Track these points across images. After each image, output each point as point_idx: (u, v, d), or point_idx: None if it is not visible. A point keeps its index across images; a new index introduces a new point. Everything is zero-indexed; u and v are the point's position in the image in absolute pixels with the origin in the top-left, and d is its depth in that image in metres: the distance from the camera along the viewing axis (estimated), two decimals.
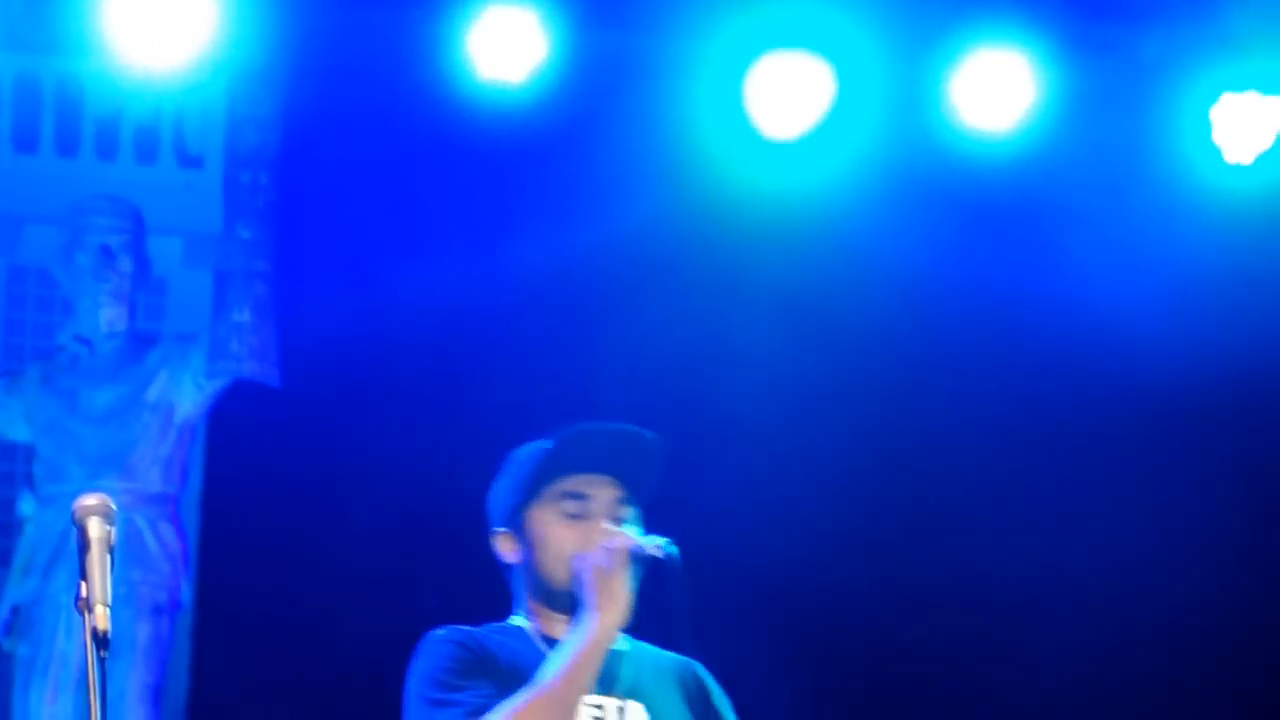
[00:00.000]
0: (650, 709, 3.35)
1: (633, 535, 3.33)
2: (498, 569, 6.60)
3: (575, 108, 6.77)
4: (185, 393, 6.74)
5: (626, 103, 6.85)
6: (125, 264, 6.86)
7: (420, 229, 6.82)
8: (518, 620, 3.45)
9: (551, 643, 3.35)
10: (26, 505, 6.92)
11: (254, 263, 6.72)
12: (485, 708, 3.22)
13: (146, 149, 7.48)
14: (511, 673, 3.30)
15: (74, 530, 3.07)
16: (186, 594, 6.65)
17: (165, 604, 6.58)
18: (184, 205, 7.33)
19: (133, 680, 6.49)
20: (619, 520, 3.37)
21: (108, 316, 6.85)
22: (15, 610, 6.72)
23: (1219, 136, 6.95)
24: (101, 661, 2.94)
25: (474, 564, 6.66)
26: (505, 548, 3.45)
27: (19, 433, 6.96)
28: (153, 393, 6.76)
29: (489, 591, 6.63)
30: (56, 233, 6.99)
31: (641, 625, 3.42)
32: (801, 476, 6.91)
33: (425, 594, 6.58)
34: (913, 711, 7.16)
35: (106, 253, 6.83)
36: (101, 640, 2.95)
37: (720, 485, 6.82)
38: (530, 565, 3.41)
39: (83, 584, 3.01)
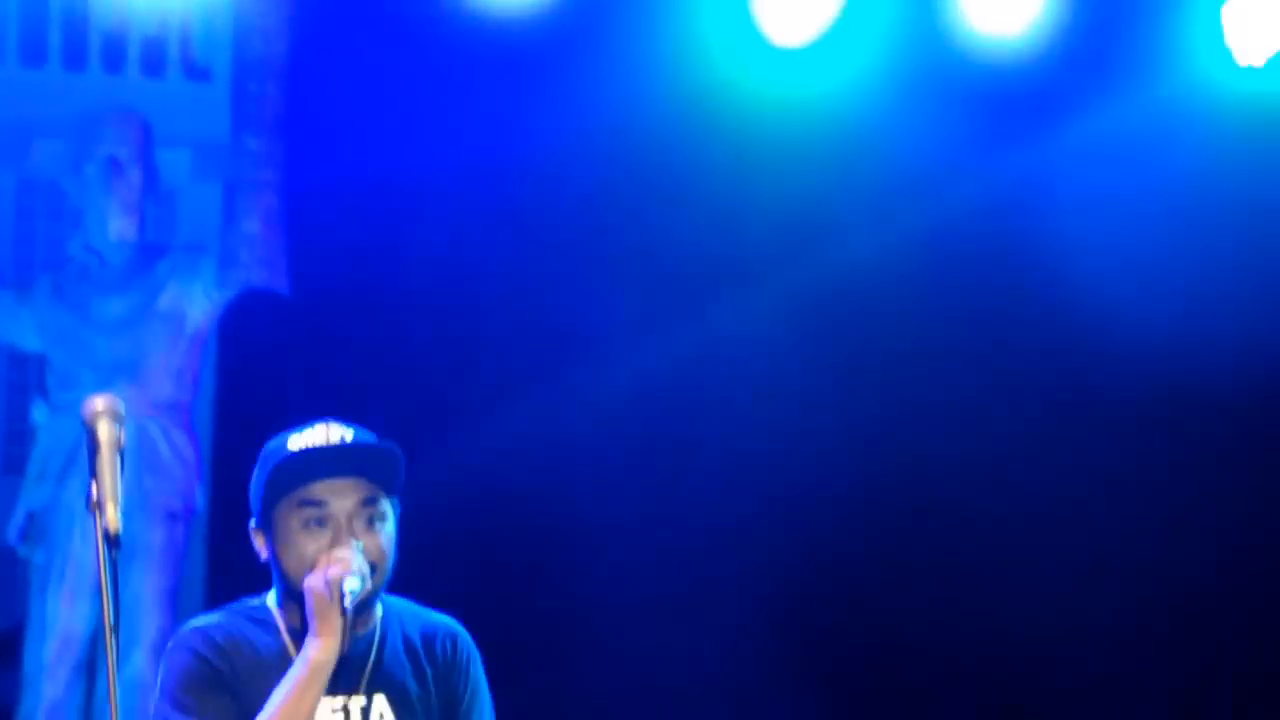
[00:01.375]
0: (394, 698, 3.37)
1: (346, 568, 3.29)
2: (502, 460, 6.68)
3: (580, 12, 6.75)
4: (195, 302, 6.77)
5: (631, 13, 6.83)
6: (134, 175, 6.87)
7: (427, 134, 6.80)
8: (270, 603, 3.44)
9: (297, 635, 3.35)
10: (39, 413, 6.96)
11: (262, 173, 6.72)
12: None
13: (154, 61, 7.48)
14: (253, 675, 3.32)
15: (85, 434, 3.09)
16: (200, 500, 6.70)
17: (179, 510, 6.64)
18: (192, 116, 7.33)
19: (148, 585, 6.55)
20: (364, 524, 3.35)
21: (117, 227, 6.87)
22: (30, 516, 6.77)
23: (1230, 38, 6.92)
24: (113, 561, 2.97)
25: (483, 459, 6.71)
26: (258, 543, 3.44)
27: (30, 342, 7.00)
28: (163, 302, 6.79)
29: (495, 480, 6.69)
30: (65, 146, 6.99)
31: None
32: (803, 393, 6.92)
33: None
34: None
35: (115, 164, 6.84)
36: (112, 540, 2.97)
37: (723, 403, 6.84)
38: (276, 565, 3.41)
39: (93, 484, 3.03)
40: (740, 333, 6.99)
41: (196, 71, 7.43)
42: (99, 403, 3.09)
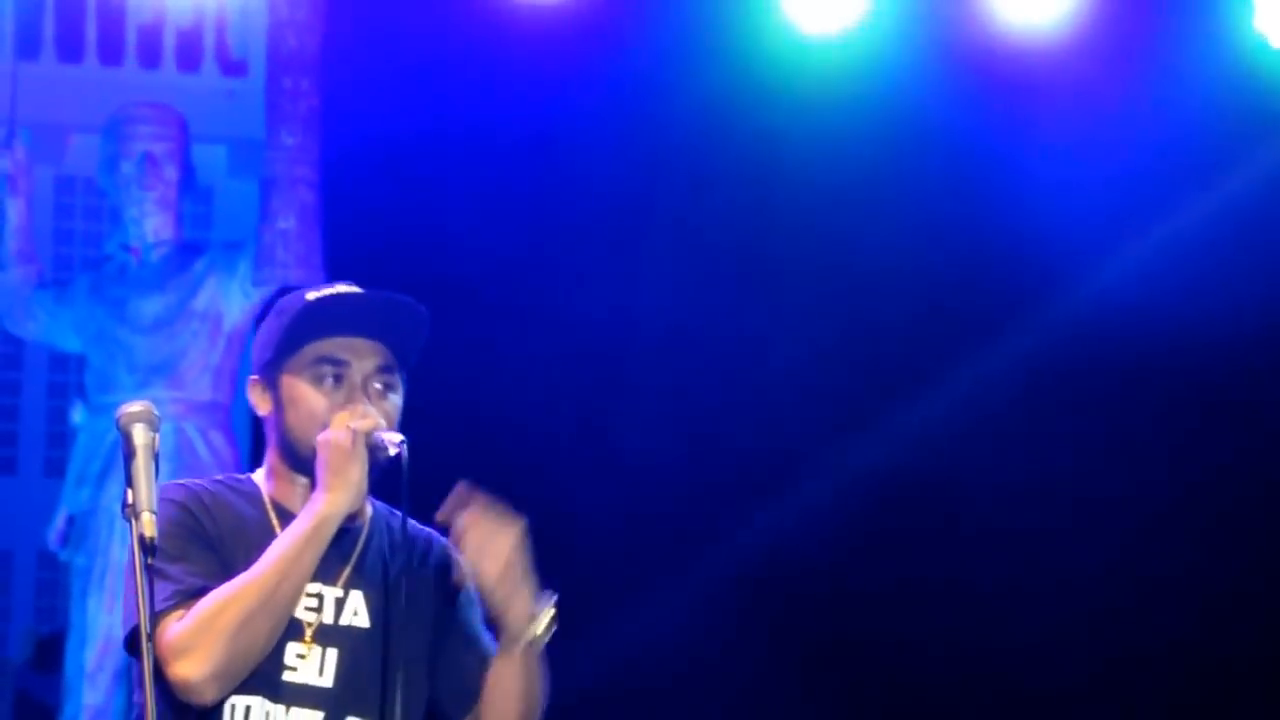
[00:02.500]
0: (370, 598, 3.21)
1: (377, 421, 3.15)
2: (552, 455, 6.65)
3: (611, 3, 6.72)
4: (233, 300, 6.75)
5: (660, 4, 6.80)
6: (170, 172, 6.85)
7: (463, 127, 6.78)
8: (257, 478, 3.28)
9: (281, 510, 3.20)
10: (79, 415, 6.95)
11: (298, 169, 6.69)
12: (200, 588, 3.08)
13: (189, 56, 7.47)
14: (235, 540, 3.16)
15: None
16: None
17: None
18: (228, 112, 7.32)
19: None
20: (379, 389, 3.21)
21: (154, 225, 6.85)
22: (71, 520, 6.76)
23: (1263, 21, 6.82)
24: (149, 568, 2.93)
25: (520, 463, 6.67)
26: (256, 398, 3.26)
27: (70, 343, 6.99)
28: (200, 301, 6.76)
29: (531, 478, 6.67)
30: (101, 142, 6.98)
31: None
32: (835, 389, 6.88)
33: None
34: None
35: (151, 161, 6.82)
36: (148, 546, 2.94)
37: (751, 398, 6.80)
38: (279, 424, 3.23)
39: (128, 491, 3.00)
40: (769, 327, 6.95)
41: (232, 66, 7.42)
42: (134, 408, 3.07)
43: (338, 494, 3.11)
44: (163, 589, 3.02)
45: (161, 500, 3.06)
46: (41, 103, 7.17)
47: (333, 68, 6.78)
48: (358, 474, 3.12)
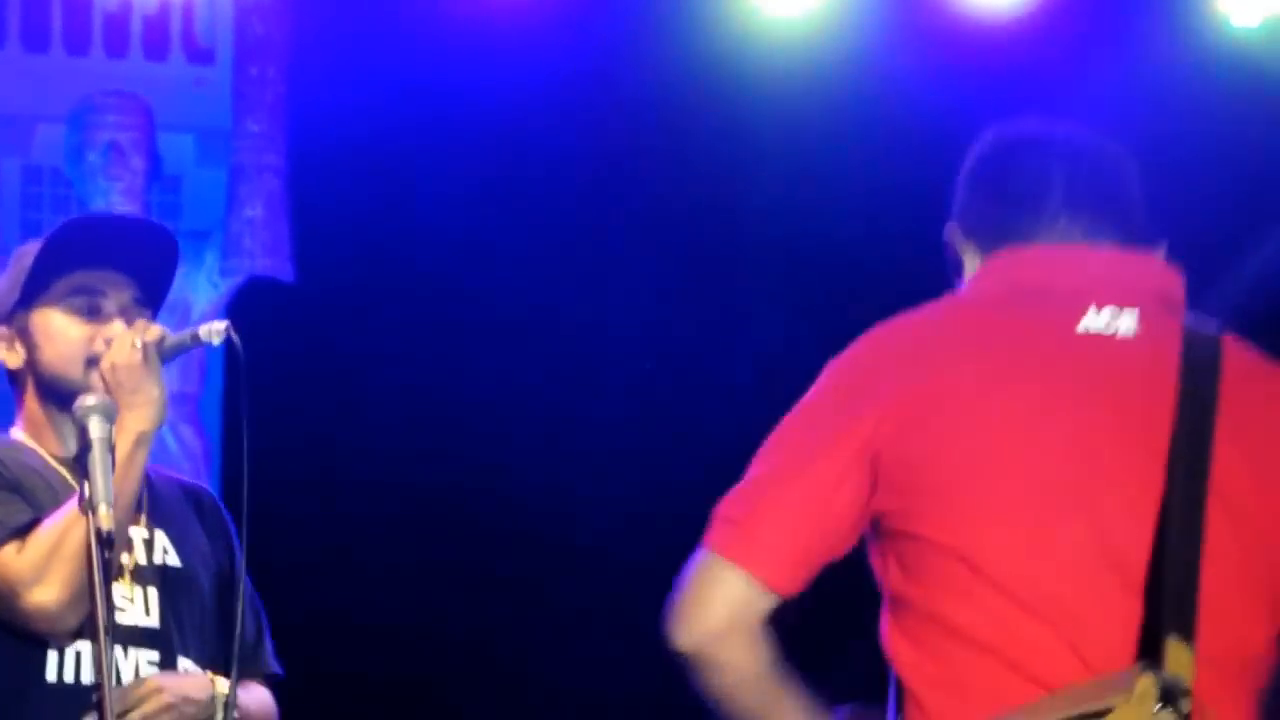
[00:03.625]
0: (173, 535, 3.23)
1: (162, 330, 3.14)
2: (521, 449, 6.65)
3: None
4: (200, 291, 6.73)
5: None
6: (136, 161, 6.83)
7: (431, 114, 6.76)
8: (19, 435, 3.25)
9: (60, 459, 3.19)
10: None
11: (265, 157, 6.68)
12: (26, 526, 3.08)
13: (157, 45, 7.42)
14: (33, 487, 3.15)
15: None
16: None
17: None
18: (195, 101, 7.28)
19: None
20: (133, 321, 3.18)
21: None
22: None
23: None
24: (106, 561, 2.92)
25: (496, 455, 6.67)
26: (3, 351, 3.22)
27: None
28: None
29: (506, 472, 6.65)
30: (67, 132, 6.95)
31: None
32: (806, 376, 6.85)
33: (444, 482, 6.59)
34: None
35: (117, 150, 6.80)
36: (105, 540, 2.93)
37: (724, 387, 6.80)
38: (35, 365, 3.20)
39: (84, 484, 3.00)
40: (734, 315, 6.93)
41: (200, 55, 7.38)
42: (90, 400, 3.05)
43: (144, 410, 3.10)
44: None
45: None
46: (7, 93, 7.14)
47: (300, 54, 6.76)
48: (158, 387, 3.09)
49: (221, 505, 3.36)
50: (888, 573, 2.75)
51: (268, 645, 3.37)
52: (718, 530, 2.75)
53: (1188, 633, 2.54)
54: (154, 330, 3.13)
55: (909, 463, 2.67)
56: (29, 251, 3.20)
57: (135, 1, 7.33)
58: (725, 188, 6.84)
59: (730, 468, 2.89)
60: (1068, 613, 2.60)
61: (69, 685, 3.08)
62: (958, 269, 2.94)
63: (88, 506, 2.94)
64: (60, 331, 3.17)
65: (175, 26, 7.38)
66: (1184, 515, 2.57)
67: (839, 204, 6.74)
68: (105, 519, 2.92)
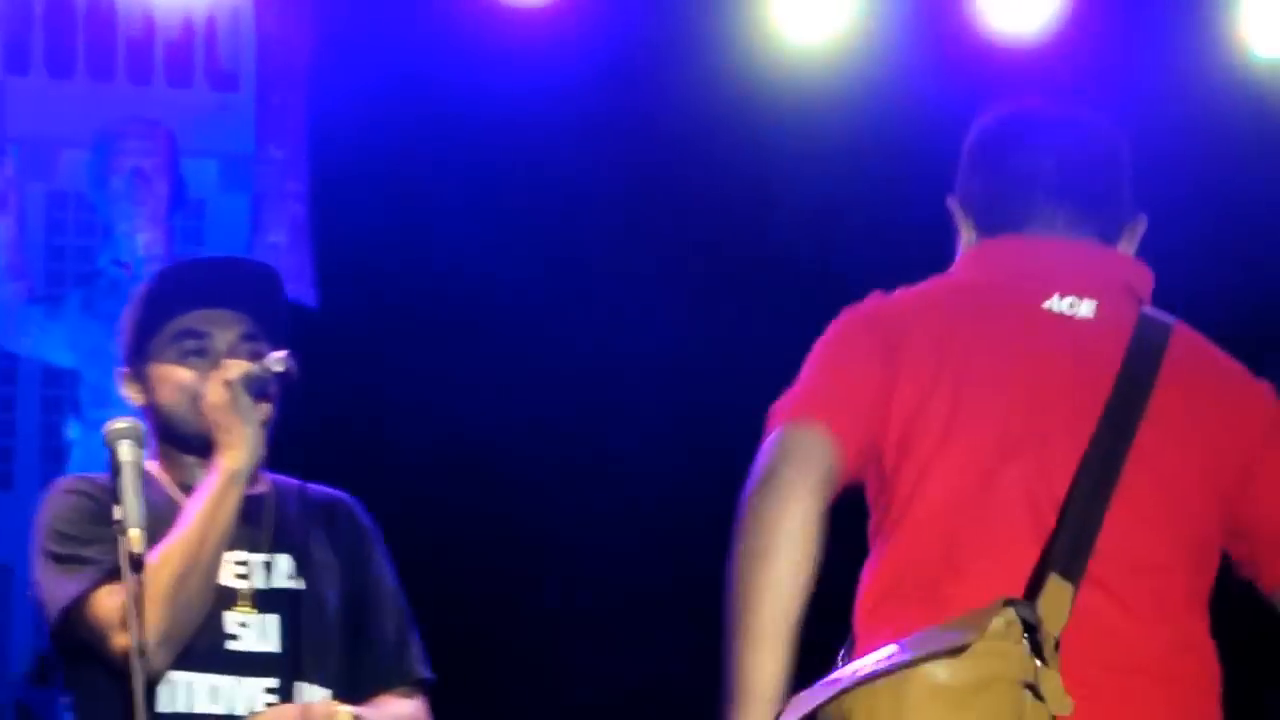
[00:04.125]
0: (298, 558, 3.24)
1: (247, 366, 3.18)
2: (541, 478, 6.65)
3: (596, 16, 6.72)
4: None
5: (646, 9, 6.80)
6: (160, 187, 6.86)
7: (454, 140, 6.78)
8: (150, 467, 3.28)
9: (183, 486, 3.24)
10: (74, 430, 6.96)
11: (288, 183, 6.71)
12: (119, 567, 3.04)
13: (180, 71, 7.46)
14: (151, 523, 3.11)
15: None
16: None
17: None
18: (219, 127, 7.32)
19: None
20: (249, 357, 3.24)
21: (145, 240, 6.86)
22: None
23: (1248, 27, 6.79)
24: (139, 583, 2.94)
25: (518, 479, 6.68)
26: (129, 391, 3.30)
27: (63, 358, 7.00)
28: None
29: (532, 494, 6.66)
30: (90, 158, 6.98)
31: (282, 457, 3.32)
32: None
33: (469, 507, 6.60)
34: None
35: (140, 176, 6.83)
36: (136, 563, 2.95)
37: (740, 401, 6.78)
38: (155, 408, 3.27)
39: (116, 508, 3.01)
40: (759, 337, 6.94)
41: (223, 81, 7.41)
42: (120, 424, 3.08)
43: (236, 450, 3.13)
44: (84, 572, 3.03)
45: (63, 493, 3.08)
46: (31, 118, 7.18)
47: (322, 79, 6.78)
48: (248, 425, 3.12)
49: (359, 514, 3.35)
50: (870, 517, 3.03)
51: (413, 650, 3.35)
52: (778, 410, 3.01)
53: (1073, 571, 2.75)
54: (236, 368, 3.16)
55: (896, 416, 2.96)
56: (139, 294, 3.27)
57: (159, 27, 7.37)
58: (749, 212, 6.85)
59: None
60: (986, 552, 2.85)
61: (180, 714, 3.10)
62: (955, 237, 3.28)
63: (119, 530, 2.95)
64: (170, 376, 3.24)
65: (199, 52, 7.42)
66: (1099, 469, 2.83)
67: (863, 228, 6.75)
68: (136, 542, 2.94)
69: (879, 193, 6.77)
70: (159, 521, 3.14)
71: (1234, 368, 3.09)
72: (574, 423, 6.84)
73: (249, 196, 6.98)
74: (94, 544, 3.10)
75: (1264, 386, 3.08)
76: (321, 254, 6.73)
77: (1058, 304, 3.00)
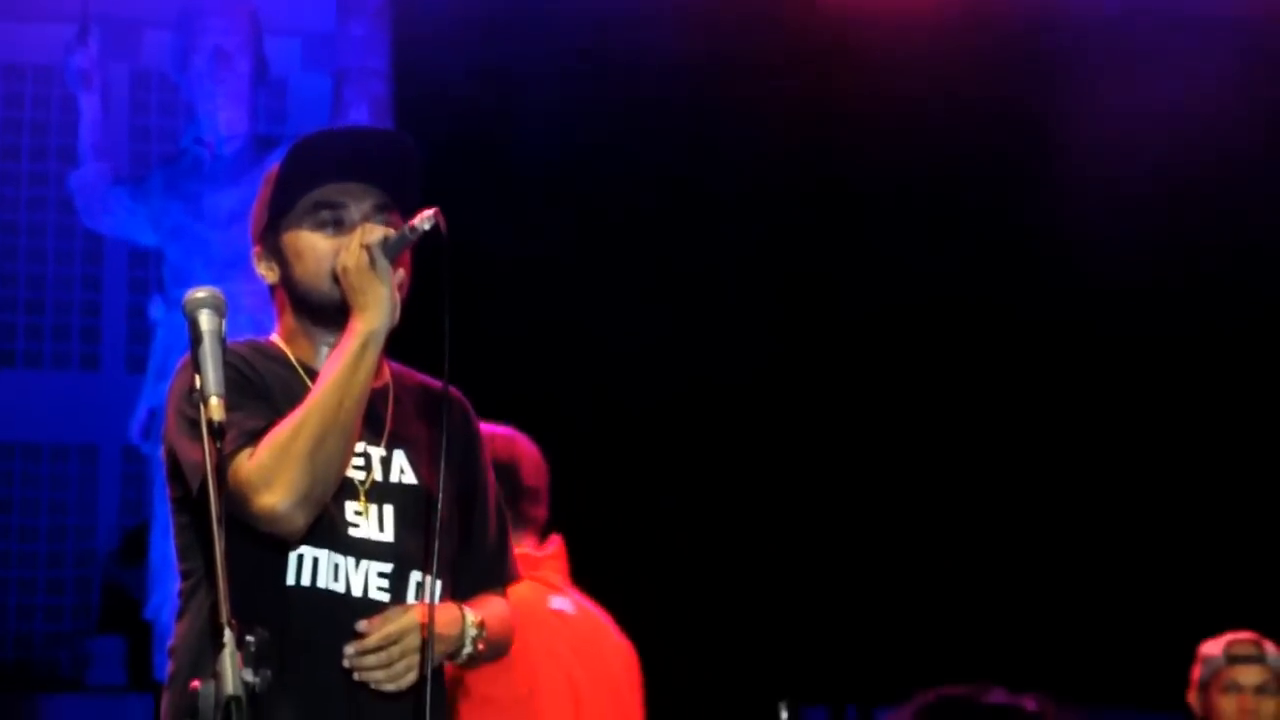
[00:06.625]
0: (412, 457, 3.21)
1: (385, 230, 3.09)
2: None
3: None
4: None
5: None
6: (241, 65, 6.85)
7: (538, 12, 6.73)
8: (275, 338, 3.25)
9: (309, 370, 3.17)
10: (157, 310, 6.99)
11: (369, 60, 6.68)
12: (262, 428, 3.05)
13: None
14: (277, 392, 3.13)
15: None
16: None
17: None
18: (301, 5, 7.30)
19: None
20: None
21: (226, 119, 6.86)
22: (152, 414, 6.81)
23: None
24: (217, 452, 2.93)
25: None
26: (263, 268, 3.25)
27: (147, 237, 7.03)
28: None
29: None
30: (173, 37, 6.98)
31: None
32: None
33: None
34: None
35: (222, 54, 6.82)
36: (216, 431, 2.93)
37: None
38: (289, 281, 3.20)
39: (195, 376, 2.99)
40: None
41: None
42: (199, 293, 3.05)
43: (371, 311, 3.09)
44: (226, 436, 3.02)
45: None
46: None
47: None
48: (384, 287, 3.10)
49: (471, 415, 3.35)
50: None
51: (509, 555, 3.37)
52: None
53: None
54: (376, 231, 3.13)
55: None
56: (273, 172, 3.25)
57: None
58: None
59: None
60: None
61: (305, 588, 3.12)
62: None
63: (199, 397, 2.95)
64: (307, 247, 3.18)
65: None
66: None
67: None
68: (215, 410, 2.92)
69: None
70: (291, 394, 3.15)
71: None
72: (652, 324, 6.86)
73: (330, 74, 6.96)
74: (235, 410, 3.09)
75: None
76: (402, 130, 6.71)
77: None
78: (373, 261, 3.10)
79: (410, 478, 3.22)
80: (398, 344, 3.21)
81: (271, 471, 3.04)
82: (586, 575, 4.07)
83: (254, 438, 3.07)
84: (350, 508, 3.15)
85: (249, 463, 3.05)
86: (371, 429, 3.18)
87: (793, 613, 6.88)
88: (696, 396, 6.90)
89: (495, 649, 3.22)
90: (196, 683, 2.73)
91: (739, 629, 6.84)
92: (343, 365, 3.08)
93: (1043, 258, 6.93)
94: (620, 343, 6.78)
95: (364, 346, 3.09)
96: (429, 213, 3.09)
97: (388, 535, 3.17)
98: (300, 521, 3.04)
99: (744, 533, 6.89)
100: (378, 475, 3.19)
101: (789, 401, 7.07)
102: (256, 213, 3.27)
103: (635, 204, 6.85)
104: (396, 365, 3.29)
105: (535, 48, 6.76)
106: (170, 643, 3.16)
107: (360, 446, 3.16)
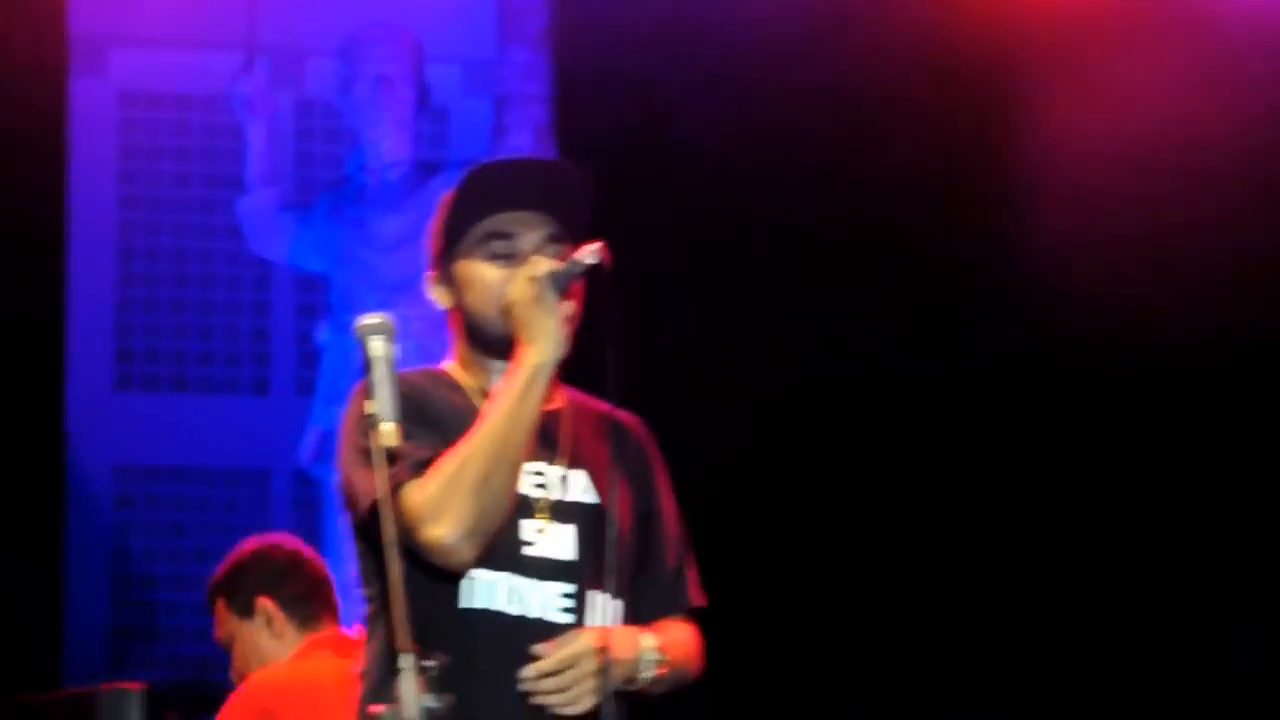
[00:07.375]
0: (593, 475, 3.20)
1: (553, 263, 3.10)
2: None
3: None
4: None
5: None
6: (404, 93, 6.92)
7: (695, 37, 6.75)
8: (449, 367, 3.27)
9: (483, 394, 3.18)
10: (324, 334, 7.08)
11: (530, 85, 6.73)
12: (431, 458, 3.06)
13: None
14: (449, 421, 3.14)
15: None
16: None
17: None
18: (462, 32, 7.36)
19: None
20: (551, 257, 3.15)
21: (390, 145, 6.94)
22: (322, 437, 6.88)
23: None
24: (391, 479, 2.96)
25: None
26: (436, 294, 3.26)
27: (313, 263, 7.12)
28: None
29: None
30: (337, 65, 7.07)
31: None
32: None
33: None
34: None
35: (385, 82, 6.90)
36: (389, 457, 2.96)
37: None
38: (462, 310, 3.22)
39: (367, 402, 3.02)
40: None
41: None
42: (371, 320, 3.08)
43: (538, 344, 3.09)
44: (393, 468, 3.04)
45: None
46: (279, 27, 7.28)
47: None
48: (551, 319, 3.11)
49: (649, 437, 3.36)
50: None
51: (688, 578, 3.37)
52: None
53: None
54: (543, 264, 3.15)
55: None
56: (449, 199, 3.28)
57: None
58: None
59: None
60: None
61: (480, 610, 3.13)
62: None
63: (371, 423, 2.98)
64: (478, 277, 3.20)
65: None
66: None
67: None
68: (388, 436, 2.95)
69: None
70: (462, 422, 3.17)
71: None
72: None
73: (491, 100, 7.02)
74: (406, 440, 3.12)
75: None
76: (564, 156, 6.75)
77: None
78: (540, 294, 3.10)
79: (592, 497, 3.22)
80: (572, 373, 3.23)
81: (439, 503, 3.05)
82: None
83: (423, 467, 3.08)
84: (529, 526, 3.16)
85: (417, 494, 3.07)
86: (546, 448, 3.19)
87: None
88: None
89: (677, 675, 3.20)
90: (376, 708, 2.76)
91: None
92: (510, 397, 3.09)
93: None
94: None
95: (531, 379, 3.09)
96: (594, 246, 3.09)
97: (569, 554, 3.17)
98: (468, 554, 3.06)
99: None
100: (555, 494, 3.20)
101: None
102: (431, 238, 3.30)
103: (791, 236, 6.85)
104: (575, 392, 3.30)
105: (696, 73, 6.78)
106: (358, 668, 3.19)
107: (537, 465, 3.17)
